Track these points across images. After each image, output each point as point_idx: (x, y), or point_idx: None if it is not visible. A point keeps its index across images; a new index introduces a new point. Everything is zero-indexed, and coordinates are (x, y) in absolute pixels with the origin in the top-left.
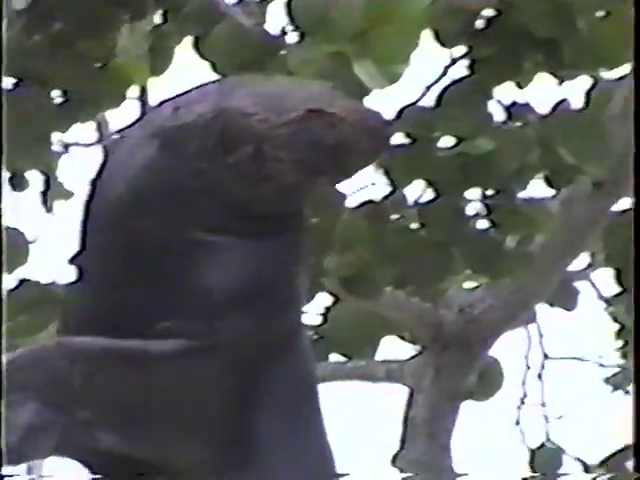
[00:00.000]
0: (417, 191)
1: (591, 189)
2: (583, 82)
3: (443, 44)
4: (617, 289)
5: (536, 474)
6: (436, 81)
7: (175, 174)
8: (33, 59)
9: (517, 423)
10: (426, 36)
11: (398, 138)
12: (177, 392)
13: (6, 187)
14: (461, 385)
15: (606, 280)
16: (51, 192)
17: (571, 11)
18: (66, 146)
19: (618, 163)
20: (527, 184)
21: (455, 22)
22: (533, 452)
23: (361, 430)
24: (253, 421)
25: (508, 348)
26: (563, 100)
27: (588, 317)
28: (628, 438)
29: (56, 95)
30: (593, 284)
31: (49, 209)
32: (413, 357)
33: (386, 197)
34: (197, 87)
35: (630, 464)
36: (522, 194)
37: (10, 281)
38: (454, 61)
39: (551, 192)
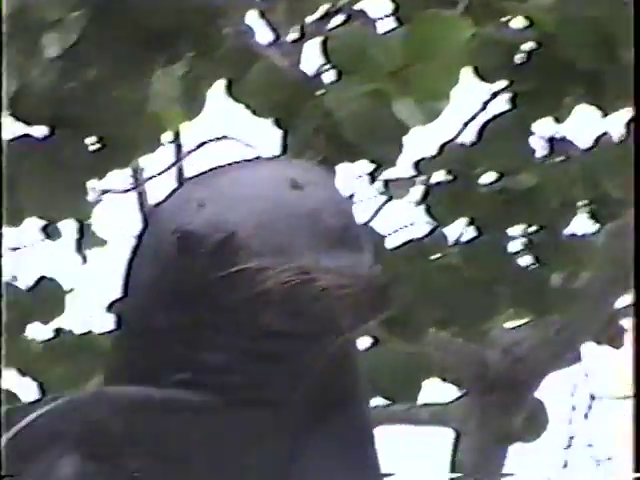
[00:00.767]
0: (459, 229)
1: (636, 222)
2: (626, 114)
3: (483, 78)
4: None
5: None
6: (474, 116)
7: (186, 281)
8: (67, 106)
9: (565, 466)
10: (466, 71)
11: (439, 175)
12: (219, 443)
13: (41, 236)
14: (507, 427)
15: None
16: (85, 240)
17: (613, 42)
18: (102, 193)
19: None
20: (571, 219)
21: (495, 56)
22: None
23: (407, 476)
24: (305, 476)
25: (555, 388)
26: (605, 133)
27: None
28: None
29: (90, 142)
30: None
31: (84, 258)
32: (458, 399)
33: (426, 235)
34: (226, 172)
35: None
36: (566, 229)
37: (47, 332)
38: (494, 95)
39: (596, 227)
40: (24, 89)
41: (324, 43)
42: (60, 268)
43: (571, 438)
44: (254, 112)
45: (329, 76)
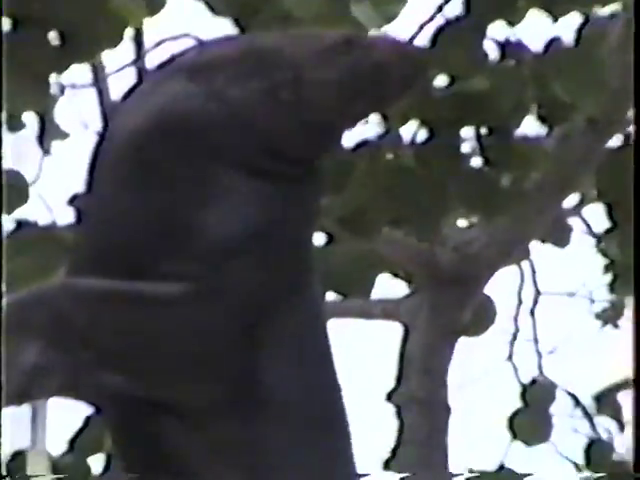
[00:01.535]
0: (412, 131)
1: (585, 126)
2: (576, 19)
3: None
4: (608, 225)
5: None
6: (430, 19)
7: (202, 104)
8: (30, 1)
9: (510, 358)
10: None
11: None
12: (183, 334)
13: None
14: (456, 322)
15: (597, 216)
16: (47, 133)
17: None
18: (62, 88)
19: (612, 100)
20: (522, 122)
21: None
22: (525, 387)
23: (357, 367)
24: (261, 363)
25: (501, 285)
26: (556, 38)
27: (579, 253)
28: (619, 373)
29: (54, 37)
30: (585, 220)
31: (46, 151)
32: (409, 295)
33: (381, 137)
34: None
35: (621, 396)
36: (517, 132)
37: (9, 223)
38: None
39: (546, 130)
40: None
41: None
42: (23, 160)
43: (516, 332)
44: (213, 11)
45: None
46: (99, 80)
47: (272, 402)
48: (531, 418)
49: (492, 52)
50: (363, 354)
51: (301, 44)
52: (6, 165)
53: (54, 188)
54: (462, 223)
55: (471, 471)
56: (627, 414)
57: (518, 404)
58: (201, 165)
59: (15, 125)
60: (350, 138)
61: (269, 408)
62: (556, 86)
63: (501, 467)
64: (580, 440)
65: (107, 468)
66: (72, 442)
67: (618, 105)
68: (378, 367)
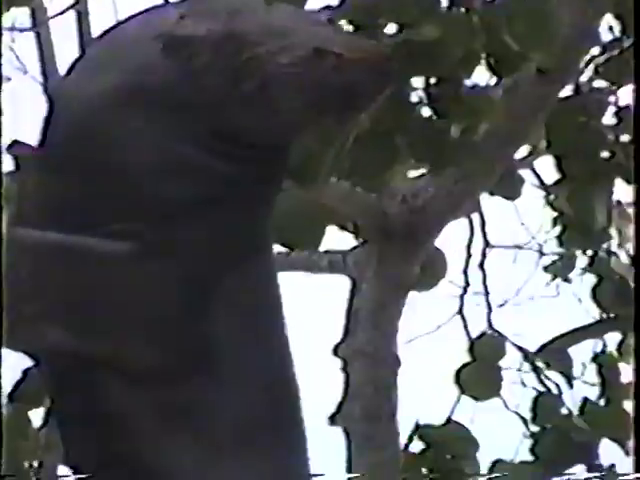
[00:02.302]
0: None
1: (535, 76)
2: None
3: None
4: (557, 177)
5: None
6: None
7: (176, 84)
8: None
9: (460, 312)
10: None
11: (341, 25)
12: (129, 293)
13: None
14: (405, 275)
15: (547, 168)
16: None
17: None
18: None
19: (563, 49)
20: (472, 72)
21: None
22: (473, 341)
23: (304, 321)
24: (210, 328)
25: (451, 238)
26: None
27: (529, 205)
28: (569, 326)
29: None
30: (535, 172)
31: None
32: (356, 247)
33: None
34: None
35: (571, 350)
36: (467, 82)
37: None
38: None
39: (495, 80)
40: None
41: None
42: None
43: (466, 286)
44: None
45: None
46: (39, 24)
47: (224, 366)
48: (479, 372)
49: (442, 0)
50: (310, 308)
51: (274, 47)
52: None
53: None
54: (411, 174)
55: (418, 425)
56: (576, 369)
57: (467, 358)
58: (158, 138)
59: None
60: None
61: (221, 372)
62: (506, 35)
63: (448, 421)
64: (529, 394)
65: (46, 422)
66: (11, 395)
67: (568, 55)
68: (325, 321)
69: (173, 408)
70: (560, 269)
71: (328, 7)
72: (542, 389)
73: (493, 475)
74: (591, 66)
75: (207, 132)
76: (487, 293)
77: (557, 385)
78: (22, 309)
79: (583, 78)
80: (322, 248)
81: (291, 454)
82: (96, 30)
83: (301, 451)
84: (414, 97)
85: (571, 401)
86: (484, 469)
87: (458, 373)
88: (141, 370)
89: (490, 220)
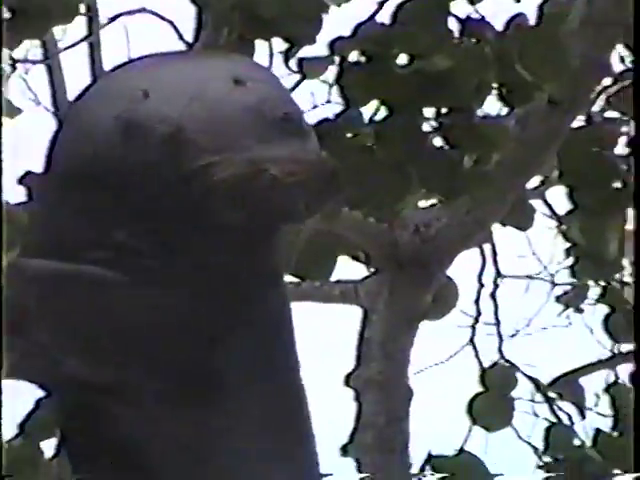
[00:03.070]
0: (373, 109)
1: (547, 106)
2: None
3: None
4: (569, 207)
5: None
6: None
7: (130, 171)
8: None
9: (471, 341)
10: None
11: (353, 56)
12: (134, 320)
13: None
14: (416, 305)
15: (559, 198)
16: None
17: None
18: (15, 63)
19: (575, 80)
20: (484, 102)
21: None
22: (485, 370)
23: (316, 351)
24: (219, 357)
25: (463, 268)
26: (519, 14)
27: (540, 235)
28: (581, 357)
29: (3, 11)
30: (547, 202)
31: None
32: (367, 277)
33: (339, 115)
34: (170, 63)
35: (583, 380)
36: (479, 112)
37: None
38: None
39: (507, 110)
40: None
41: None
42: None
43: (478, 315)
44: None
45: None
46: (51, 56)
47: (231, 396)
48: (491, 402)
49: (454, 30)
50: (322, 338)
51: (215, 152)
52: None
53: (5, 165)
54: (423, 204)
55: (431, 456)
56: (589, 399)
57: (479, 388)
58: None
59: None
60: (309, 116)
61: (224, 397)
62: (518, 65)
63: (461, 451)
64: (541, 425)
65: (58, 452)
66: (22, 425)
67: (580, 85)
68: (337, 351)
69: (180, 436)
70: (572, 299)
71: (340, 38)
72: (554, 420)
73: None
74: (603, 96)
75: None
76: (498, 323)
77: (569, 416)
78: (31, 338)
79: (595, 108)
80: (334, 278)
81: None
82: (108, 61)
83: None
84: (426, 127)
85: (583, 432)
86: None
87: (470, 403)
88: (145, 396)
89: (502, 250)
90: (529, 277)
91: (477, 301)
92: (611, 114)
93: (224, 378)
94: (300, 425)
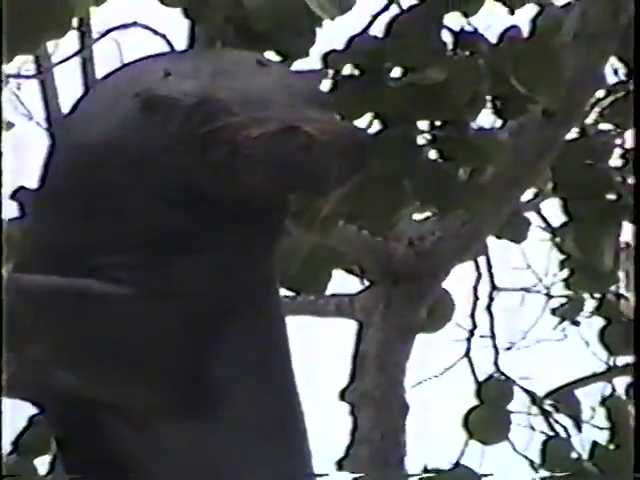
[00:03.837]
0: (366, 123)
1: (541, 118)
2: (531, 10)
3: None
4: (563, 219)
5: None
6: (384, 9)
7: (149, 143)
8: None
9: (467, 355)
10: None
11: (347, 69)
12: (131, 334)
13: None
14: (412, 318)
15: (553, 210)
16: None
17: None
18: (8, 78)
19: (569, 92)
20: (478, 114)
21: None
22: (481, 384)
23: (312, 365)
24: (214, 370)
25: (458, 281)
26: (512, 27)
27: (535, 248)
28: (578, 370)
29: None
30: (541, 215)
31: None
32: (362, 291)
33: None
34: (189, 54)
35: (579, 393)
36: (473, 125)
37: None
38: None
39: (501, 122)
40: None
41: None
42: None
43: (473, 328)
44: (162, 1)
45: None
46: (44, 71)
47: (225, 403)
48: (487, 416)
49: (448, 43)
50: (317, 352)
51: (247, 116)
52: None
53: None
54: (417, 217)
55: (427, 470)
56: (585, 412)
57: (474, 401)
58: (141, 197)
59: None
60: None
61: (221, 409)
62: (512, 78)
63: (457, 465)
64: (537, 438)
65: (52, 469)
66: (16, 442)
67: (574, 97)
68: (333, 365)
69: (174, 447)
70: (568, 312)
71: (334, 51)
72: (551, 433)
73: None
74: (596, 109)
75: (176, 191)
76: (494, 336)
77: (566, 429)
78: (29, 354)
79: (589, 120)
80: (329, 292)
81: None
82: (100, 75)
83: None
84: (420, 140)
85: (580, 445)
86: None
87: (466, 417)
88: (141, 410)
89: (497, 263)
90: (524, 290)
91: (472, 314)
92: (605, 126)
93: (219, 386)
94: (294, 434)
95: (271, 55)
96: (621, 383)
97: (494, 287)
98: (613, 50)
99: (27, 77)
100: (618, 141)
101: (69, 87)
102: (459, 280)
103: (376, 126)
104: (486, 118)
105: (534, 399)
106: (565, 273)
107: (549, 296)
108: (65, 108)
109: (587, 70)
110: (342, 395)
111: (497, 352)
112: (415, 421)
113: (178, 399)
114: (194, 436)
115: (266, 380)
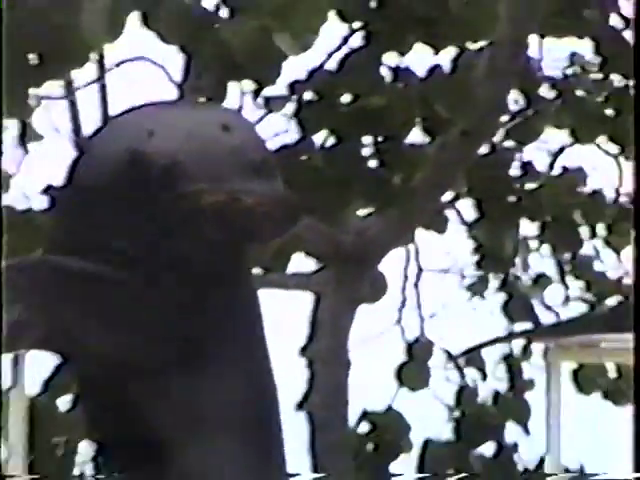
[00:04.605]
0: (322, 137)
1: (459, 137)
2: (452, 52)
3: (345, 19)
4: (476, 216)
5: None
6: (337, 48)
7: (134, 194)
8: (11, 29)
9: (398, 322)
10: (332, 13)
11: (308, 95)
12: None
13: None
14: (356, 292)
15: (468, 209)
16: (27, 136)
17: None
18: (39, 99)
19: (481, 116)
20: (410, 133)
21: (354, 1)
22: (410, 345)
23: (278, 328)
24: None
25: (392, 263)
26: (437, 65)
27: (454, 238)
28: (482, 332)
29: (31, 57)
30: (458, 212)
31: (25, 149)
32: (318, 270)
33: (297, 142)
34: (172, 108)
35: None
36: (406, 141)
37: None
38: (353, 32)
39: (428, 139)
40: None
41: None
42: (5, 157)
43: (404, 301)
44: (164, 39)
45: (225, 12)
46: (70, 93)
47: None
48: (414, 369)
49: (387, 76)
50: (282, 318)
51: (201, 180)
52: None
53: (31, 180)
54: (362, 213)
55: (366, 412)
56: (489, 367)
57: (404, 358)
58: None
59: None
60: (273, 142)
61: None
62: (437, 105)
63: (389, 408)
64: (452, 387)
65: (74, 406)
66: (46, 384)
67: (485, 121)
68: (294, 329)
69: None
70: (477, 288)
71: (298, 81)
72: (463, 383)
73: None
74: (502, 130)
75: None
76: (420, 307)
77: (474, 380)
78: (53, 319)
79: (496, 139)
80: (292, 270)
81: (271, 444)
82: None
83: (279, 442)
84: (365, 152)
85: (485, 391)
86: (417, 446)
87: (398, 370)
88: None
89: (423, 249)
90: (444, 271)
91: (403, 290)
92: (508, 143)
93: (207, 345)
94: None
95: (248, 83)
96: (518, 345)
97: (420, 269)
98: (515, 84)
99: (55, 98)
100: (518, 155)
101: (89, 107)
102: (393, 262)
103: (331, 140)
104: (417, 136)
105: (450, 356)
106: (476, 258)
107: (463, 276)
108: (85, 124)
109: (495, 100)
110: (302, 352)
111: (422, 320)
112: (357, 373)
113: (176, 354)
114: (190, 389)
115: (245, 342)
